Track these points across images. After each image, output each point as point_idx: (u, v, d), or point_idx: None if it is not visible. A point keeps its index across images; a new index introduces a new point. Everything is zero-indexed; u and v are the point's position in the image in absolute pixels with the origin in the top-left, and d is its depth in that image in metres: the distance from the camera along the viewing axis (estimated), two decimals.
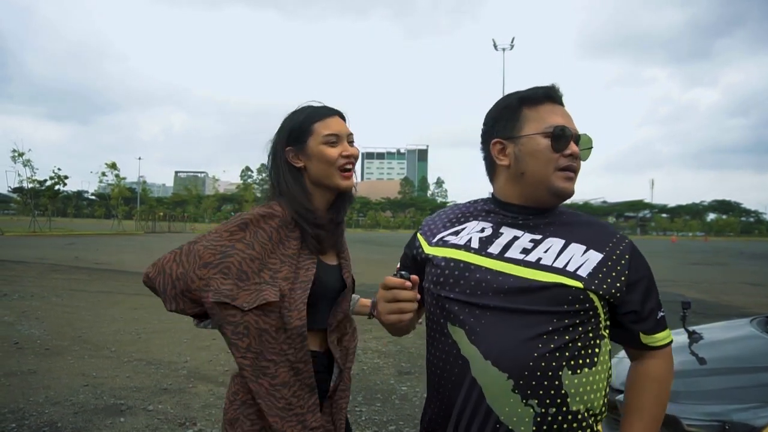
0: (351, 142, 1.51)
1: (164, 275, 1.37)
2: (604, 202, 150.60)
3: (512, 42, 36.41)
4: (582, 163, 1.22)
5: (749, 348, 2.46)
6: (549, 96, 1.22)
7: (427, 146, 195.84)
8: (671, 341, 1.22)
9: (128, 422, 3.69)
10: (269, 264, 1.40)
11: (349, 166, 1.49)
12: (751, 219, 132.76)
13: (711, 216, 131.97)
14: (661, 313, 1.21)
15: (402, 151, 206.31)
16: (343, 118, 1.53)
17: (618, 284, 1.15)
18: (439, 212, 1.39)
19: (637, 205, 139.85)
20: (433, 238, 1.29)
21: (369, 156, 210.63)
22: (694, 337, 2.54)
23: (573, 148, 1.18)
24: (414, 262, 1.32)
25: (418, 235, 1.34)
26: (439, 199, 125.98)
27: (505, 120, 1.23)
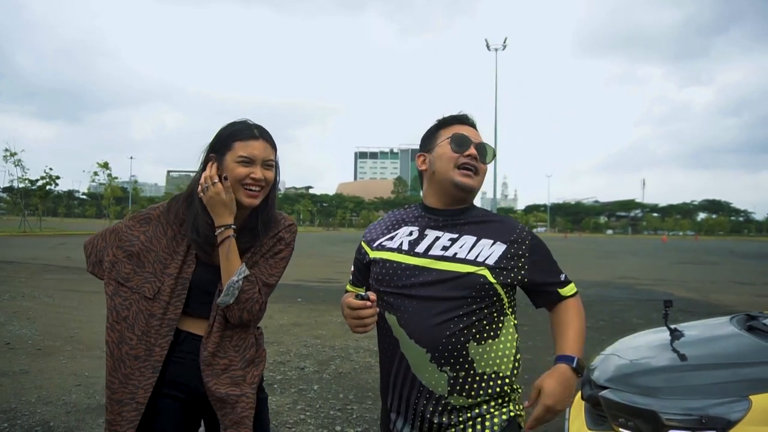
0: (269, 167, 1.61)
1: (93, 245, 1.71)
2: (596, 201, 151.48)
3: (504, 42, 36.42)
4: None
5: (728, 345, 2.51)
6: (458, 120, 1.57)
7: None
8: (577, 291, 1.55)
9: None
10: (161, 257, 1.63)
11: (254, 188, 1.59)
12: (741, 218, 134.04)
13: (701, 215, 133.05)
14: (564, 275, 1.53)
15: (395, 150, 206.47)
16: (271, 144, 1.62)
17: (518, 267, 1.46)
18: (378, 221, 1.69)
19: (629, 205, 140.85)
20: (374, 244, 1.59)
21: (362, 156, 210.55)
22: (675, 334, 2.60)
23: (471, 150, 1.49)
24: (362, 264, 1.63)
25: (362, 243, 1.65)
26: None
27: (427, 140, 1.60)
